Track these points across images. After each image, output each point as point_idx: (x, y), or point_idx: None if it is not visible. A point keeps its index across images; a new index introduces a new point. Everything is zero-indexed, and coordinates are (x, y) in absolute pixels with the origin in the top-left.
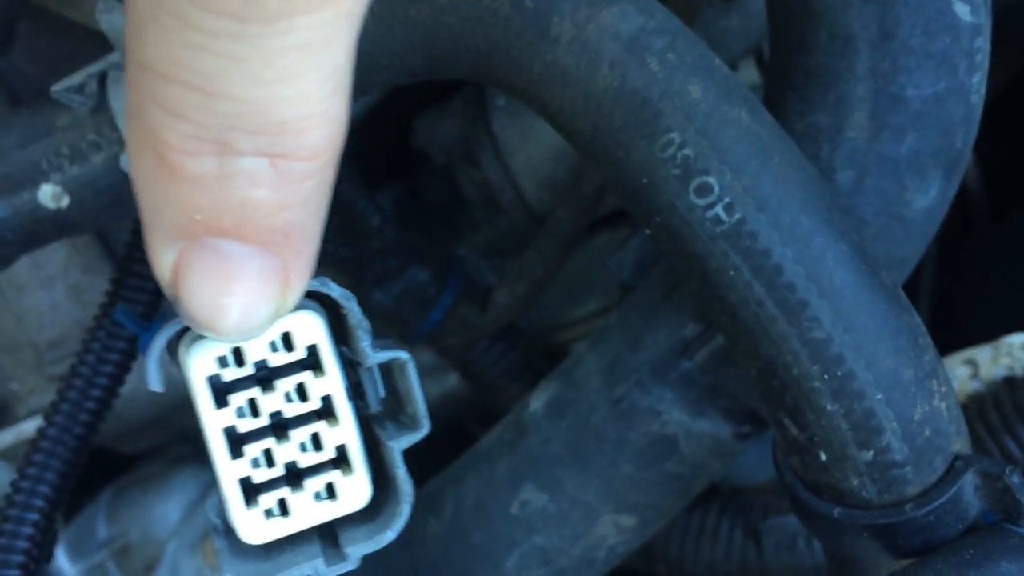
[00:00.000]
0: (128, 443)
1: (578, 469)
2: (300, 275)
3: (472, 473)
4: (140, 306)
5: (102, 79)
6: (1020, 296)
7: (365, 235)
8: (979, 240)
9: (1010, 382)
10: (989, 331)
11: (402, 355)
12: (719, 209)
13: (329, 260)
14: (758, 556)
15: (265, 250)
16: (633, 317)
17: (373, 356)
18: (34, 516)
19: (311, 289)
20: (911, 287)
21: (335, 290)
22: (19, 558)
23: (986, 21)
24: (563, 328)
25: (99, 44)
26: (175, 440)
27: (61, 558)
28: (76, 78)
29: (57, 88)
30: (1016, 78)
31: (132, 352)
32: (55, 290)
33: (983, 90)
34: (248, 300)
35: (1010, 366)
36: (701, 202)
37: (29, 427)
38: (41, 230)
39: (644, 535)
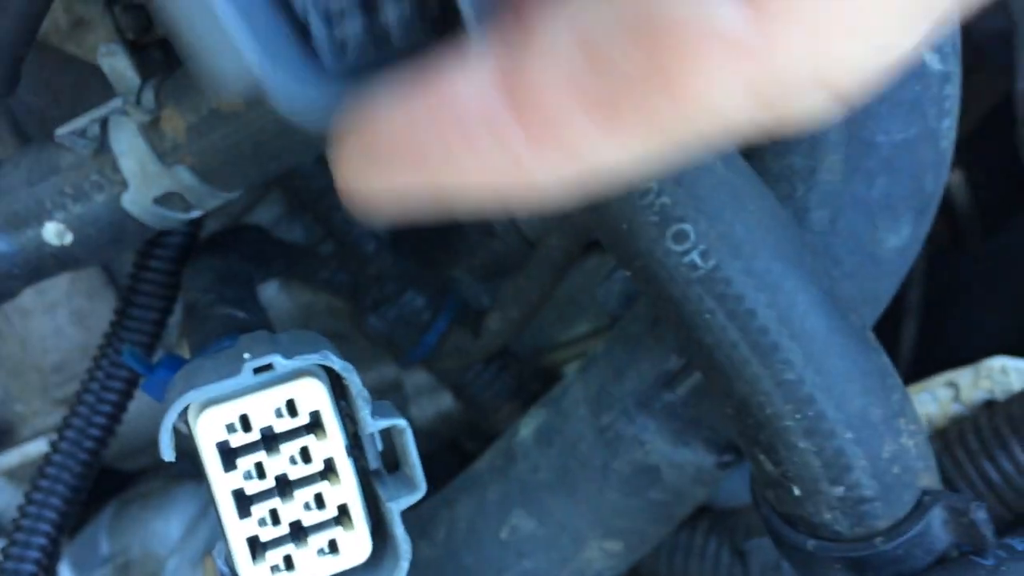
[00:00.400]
0: (129, 461)
1: (565, 495)
2: None
3: (464, 497)
4: (144, 336)
5: (104, 123)
6: (1008, 315)
7: (361, 261)
8: (968, 258)
9: (990, 405)
10: (978, 349)
11: (400, 422)
12: (695, 255)
13: (326, 285)
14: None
15: None
16: (619, 348)
17: (372, 424)
18: (40, 540)
19: (315, 362)
20: (897, 305)
21: (336, 363)
22: None
23: (955, 68)
24: (555, 349)
25: (101, 79)
26: (175, 457)
27: (64, 574)
28: (79, 122)
29: (61, 132)
30: (1002, 102)
31: (135, 379)
32: (58, 315)
33: (953, 135)
34: None
35: (990, 389)
36: (678, 248)
37: (33, 448)
38: (45, 265)
39: (631, 560)
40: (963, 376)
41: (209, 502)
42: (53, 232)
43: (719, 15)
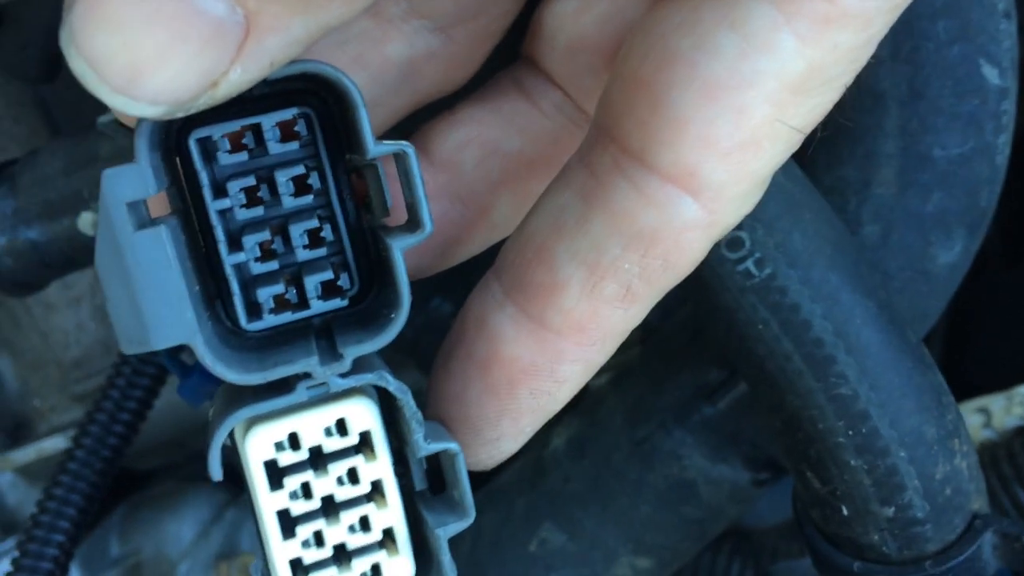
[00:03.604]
0: (143, 460)
1: (597, 509)
2: (261, 41)
3: (490, 509)
4: None
5: None
6: None
7: None
8: (993, 283)
9: (1023, 432)
10: (1002, 376)
11: (452, 446)
12: (750, 263)
13: None
14: None
15: None
16: (657, 360)
17: (425, 447)
18: (59, 538)
19: (370, 383)
20: None
21: (391, 383)
22: None
23: (1013, 84)
24: None
25: None
26: (189, 458)
27: (74, 574)
28: None
29: (102, 120)
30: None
31: (162, 378)
32: (81, 310)
33: (1008, 151)
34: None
35: (1023, 415)
36: (732, 255)
37: (49, 445)
38: (78, 256)
39: None
40: (995, 402)
41: (222, 503)
42: (89, 222)
43: None
